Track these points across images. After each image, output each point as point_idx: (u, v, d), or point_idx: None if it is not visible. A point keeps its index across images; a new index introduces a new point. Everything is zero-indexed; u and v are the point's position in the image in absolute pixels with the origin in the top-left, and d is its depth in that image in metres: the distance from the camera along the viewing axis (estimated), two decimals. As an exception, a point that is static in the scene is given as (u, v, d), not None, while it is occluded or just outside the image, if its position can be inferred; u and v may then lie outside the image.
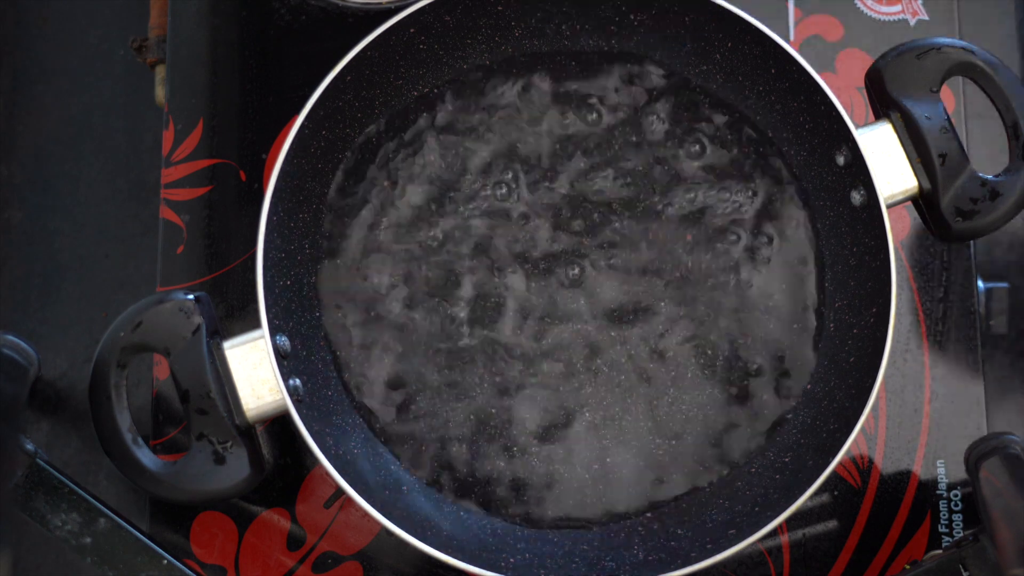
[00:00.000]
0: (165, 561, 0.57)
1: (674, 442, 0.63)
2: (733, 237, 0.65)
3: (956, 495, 0.64)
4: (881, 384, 0.58)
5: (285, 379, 0.57)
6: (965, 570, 0.57)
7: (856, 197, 0.61)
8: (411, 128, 0.65)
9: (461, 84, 0.66)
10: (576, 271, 0.65)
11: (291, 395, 0.57)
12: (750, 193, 0.65)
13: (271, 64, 0.68)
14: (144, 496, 0.64)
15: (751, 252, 0.64)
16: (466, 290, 0.65)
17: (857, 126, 0.59)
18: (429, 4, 0.61)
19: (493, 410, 0.64)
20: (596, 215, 0.65)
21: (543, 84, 0.66)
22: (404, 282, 0.64)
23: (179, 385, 0.57)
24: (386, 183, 0.65)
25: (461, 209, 0.65)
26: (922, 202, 0.61)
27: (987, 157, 0.70)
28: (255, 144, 0.67)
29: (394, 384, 0.64)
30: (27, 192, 0.76)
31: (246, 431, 0.58)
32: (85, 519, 0.57)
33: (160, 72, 0.70)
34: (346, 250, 0.64)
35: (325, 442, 0.58)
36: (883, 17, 0.70)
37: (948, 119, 0.60)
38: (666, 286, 0.65)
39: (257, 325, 0.58)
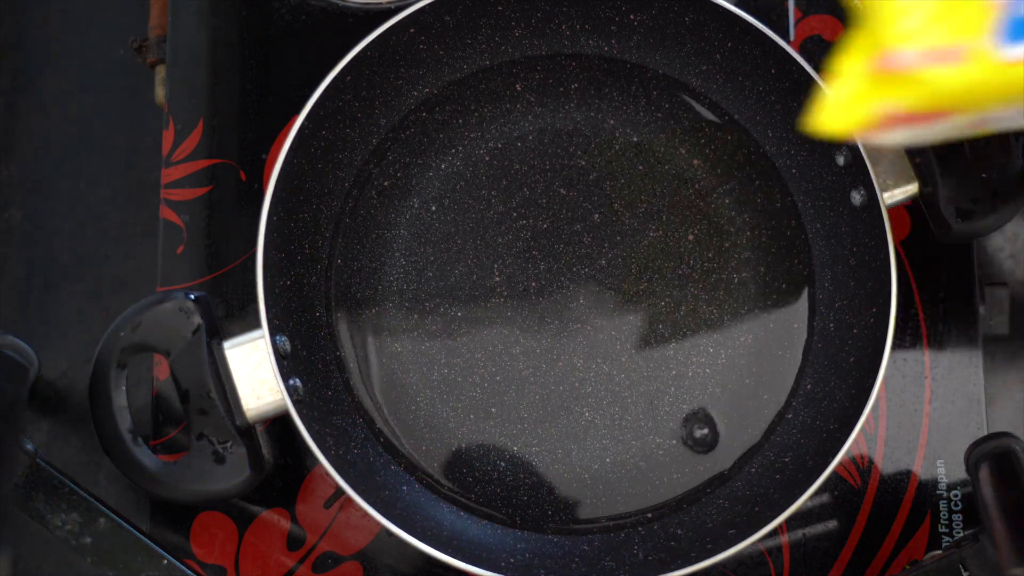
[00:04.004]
0: (165, 561, 0.57)
1: (674, 442, 0.63)
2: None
3: (956, 495, 0.64)
4: (881, 384, 0.58)
5: (285, 379, 0.57)
6: (965, 570, 0.57)
7: (856, 197, 0.61)
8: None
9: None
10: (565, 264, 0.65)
11: (291, 395, 0.57)
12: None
13: (271, 64, 0.68)
14: (144, 496, 0.64)
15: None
16: (461, 274, 0.65)
17: (857, 126, 0.59)
18: (429, 4, 0.61)
19: (493, 409, 0.64)
20: (597, 215, 0.65)
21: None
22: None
23: (179, 385, 0.57)
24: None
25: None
26: (922, 202, 0.61)
27: (987, 157, 0.70)
28: (255, 144, 0.67)
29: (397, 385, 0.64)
30: (27, 192, 0.76)
31: (246, 431, 0.58)
32: (85, 519, 0.57)
33: (160, 72, 0.70)
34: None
35: (325, 442, 0.58)
36: (883, 17, 0.70)
37: (948, 119, 0.60)
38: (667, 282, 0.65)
39: (257, 325, 0.58)
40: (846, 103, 0.40)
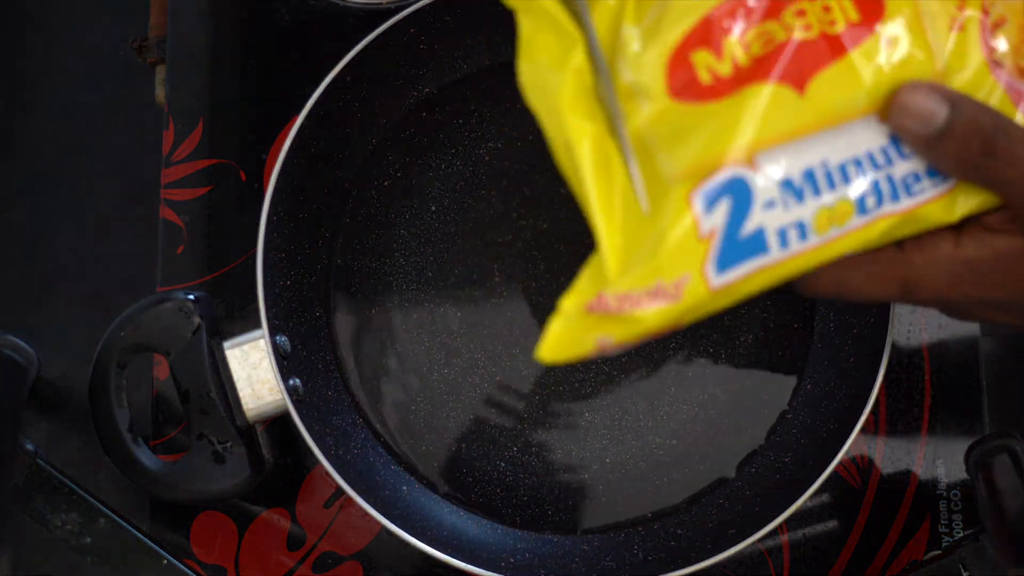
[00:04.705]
0: (165, 561, 0.57)
1: (674, 442, 0.63)
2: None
3: (956, 495, 0.64)
4: (881, 384, 0.58)
5: (285, 379, 0.57)
6: (965, 570, 0.57)
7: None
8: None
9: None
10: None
11: (291, 395, 0.57)
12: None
13: (271, 64, 0.68)
14: (144, 496, 0.64)
15: None
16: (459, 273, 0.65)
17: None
18: (429, 4, 0.61)
19: (493, 409, 0.64)
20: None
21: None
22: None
23: (179, 385, 0.57)
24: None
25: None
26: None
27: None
28: (255, 144, 0.67)
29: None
30: (27, 192, 0.76)
31: (246, 431, 0.58)
32: (85, 519, 0.57)
33: (160, 72, 0.70)
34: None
35: (325, 442, 0.58)
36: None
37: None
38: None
39: (257, 325, 0.58)
40: (565, 340, 0.42)
